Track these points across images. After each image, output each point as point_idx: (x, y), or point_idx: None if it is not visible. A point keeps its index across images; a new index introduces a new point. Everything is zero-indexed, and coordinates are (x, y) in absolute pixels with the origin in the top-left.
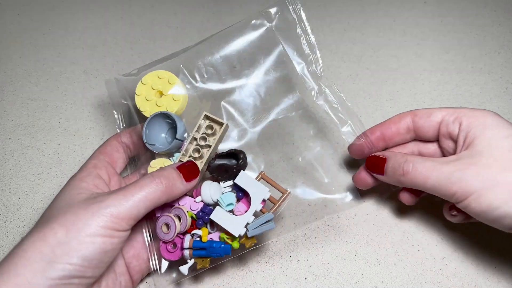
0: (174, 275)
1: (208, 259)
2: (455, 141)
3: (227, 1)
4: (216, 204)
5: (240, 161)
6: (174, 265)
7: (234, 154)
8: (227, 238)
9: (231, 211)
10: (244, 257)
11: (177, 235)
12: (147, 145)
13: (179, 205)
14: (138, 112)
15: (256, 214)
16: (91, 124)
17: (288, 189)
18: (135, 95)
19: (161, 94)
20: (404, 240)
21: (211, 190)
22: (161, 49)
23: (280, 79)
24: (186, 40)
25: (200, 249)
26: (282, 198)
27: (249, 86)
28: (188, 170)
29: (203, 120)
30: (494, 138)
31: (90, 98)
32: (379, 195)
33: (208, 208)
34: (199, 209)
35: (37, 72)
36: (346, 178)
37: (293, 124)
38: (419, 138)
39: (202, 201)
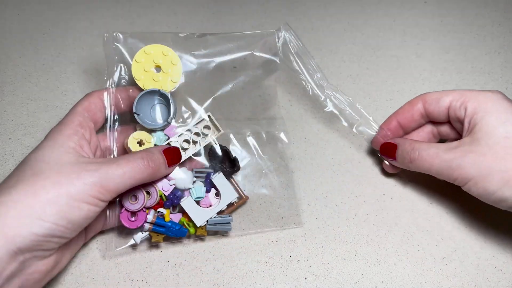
0: (125, 241)
1: (163, 236)
2: (463, 125)
3: (227, 1)
4: (184, 190)
5: (235, 168)
6: (128, 233)
7: (234, 160)
8: (187, 223)
9: (197, 202)
10: (244, 257)
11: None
12: (136, 116)
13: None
14: (130, 76)
15: (218, 212)
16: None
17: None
18: (134, 61)
19: (159, 69)
20: (404, 240)
21: (186, 177)
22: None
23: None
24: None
25: (160, 226)
26: (240, 202)
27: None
28: (172, 155)
29: (204, 119)
30: (492, 125)
31: None
32: (379, 195)
33: (178, 192)
34: (170, 191)
35: (37, 72)
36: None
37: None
38: (434, 121)
39: (174, 185)
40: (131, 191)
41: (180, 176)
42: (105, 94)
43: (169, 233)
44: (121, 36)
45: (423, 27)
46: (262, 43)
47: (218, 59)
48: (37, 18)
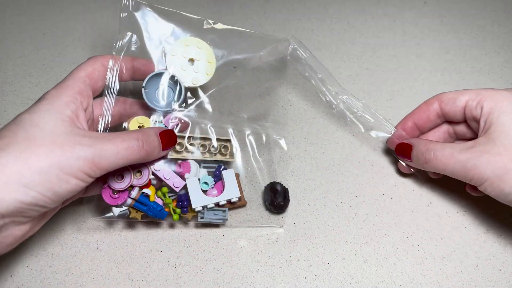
0: (103, 213)
1: (142, 214)
2: (479, 124)
3: (227, 2)
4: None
5: (287, 202)
6: (107, 206)
7: (286, 195)
8: (172, 209)
9: (204, 191)
10: (244, 257)
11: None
12: (143, 90)
13: (155, 170)
14: (139, 47)
15: (209, 208)
16: None
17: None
18: (169, 52)
19: (192, 62)
20: (403, 240)
21: (193, 169)
22: None
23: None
24: None
25: (142, 204)
26: (238, 204)
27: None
28: (168, 139)
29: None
30: (508, 125)
31: None
32: (378, 195)
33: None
34: (181, 187)
35: (37, 72)
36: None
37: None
38: (450, 121)
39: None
40: (119, 170)
41: (193, 168)
42: (111, 61)
43: (149, 212)
44: (139, 5)
45: (422, 27)
46: (273, 47)
47: (229, 52)
48: (37, 18)
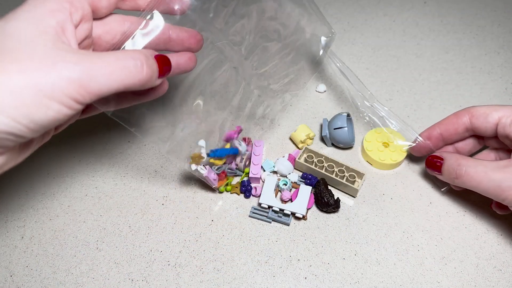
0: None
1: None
2: None
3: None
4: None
5: (338, 208)
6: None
7: (338, 202)
8: (225, 186)
9: (279, 190)
10: (244, 257)
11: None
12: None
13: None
14: None
15: (274, 210)
16: (91, 122)
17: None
18: (365, 140)
19: (386, 146)
20: (403, 240)
21: (289, 166)
22: None
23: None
24: None
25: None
26: (300, 218)
27: None
28: (164, 64)
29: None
30: None
31: None
32: (378, 195)
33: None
34: (258, 175)
35: None
36: None
37: None
38: (479, 135)
39: (278, 171)
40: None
41: (284, 164)
42: None
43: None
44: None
45: (422, 27)
46: (318, 29)
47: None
48: None
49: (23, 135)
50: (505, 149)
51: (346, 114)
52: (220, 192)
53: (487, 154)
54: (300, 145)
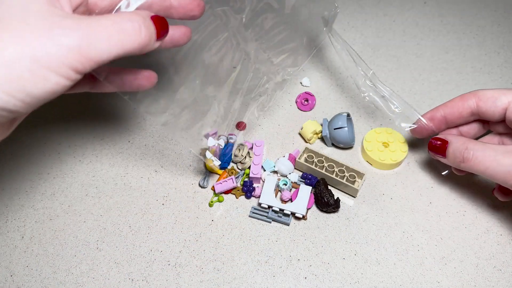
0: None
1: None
2: None
3: (227, 2)
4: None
5: (338, 208)
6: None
7: (338, 202)
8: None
9: (279, 190)
10: (244, 256)
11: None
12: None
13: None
14: None
15: (274, 210)
16: (91, 122)
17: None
18: (365, 140)
19: (386, 146)
20: (403, 239)
21: (289, 166)
22: None
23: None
24: None
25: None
26: (299, 218)
27: None
28: (161, 25)
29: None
30: None
31: (91, 96)
32: (378, 194)
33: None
34: (258, 175)
35: None
36: None
37: None
38: (484, 120)
39: (278, 170)
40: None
41: (285, 163)
42: None
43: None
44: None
45: (422, 27)
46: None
47: None
48: None
49: (18, 110)
50: (510, 134)
51: (346, 114)
52: (210, 206)
53: (491, 138)
54: (310, 139)
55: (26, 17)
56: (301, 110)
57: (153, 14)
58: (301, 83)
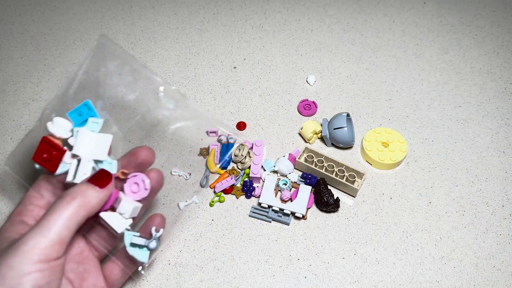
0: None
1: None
2: None
3: (228, 2)
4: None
5: (337, 208)
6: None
7: (337, 202)
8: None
9: (279, 190)
10: (244, 256)
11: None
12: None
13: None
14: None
15: (274, 209)
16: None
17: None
18: (364, 140)
19: (386, 146)
20: (403, 239)
21: (289, 166)
22: (161, 49)
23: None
24: (187, 40)
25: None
26: (300, 217)
27: None
28: (99, 178)
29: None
30: None
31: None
32: (378, 194)
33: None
34: (258, 175)
35: (38, 73)
36: None
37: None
38: None
39: (278, 170)
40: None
41: (285, 163)
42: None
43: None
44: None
45: (422, 28)
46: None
47: None
48: (38, 18)
49: None
50: None
51: (346, 114)
52: (211, 206)
53: None
54: (310, 139)
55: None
56: (302, 114)
57: (88, 178)
58: (307, 81)
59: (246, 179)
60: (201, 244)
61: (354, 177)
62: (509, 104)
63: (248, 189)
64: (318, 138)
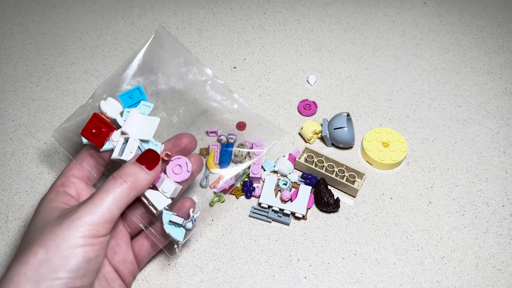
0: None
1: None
2: None
3: (228, 3)
4: (284, 175)
5: (338, 208)
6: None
7: (338, 202)
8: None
9: (279, 190)
10: (244, 256)
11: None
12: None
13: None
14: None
15: (274, 210)
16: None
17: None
18: (364, 140)
19: (386, 146)
20: (403, 239)
21: (289, 166)
22: (161, 49)
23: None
24: (187, 40)
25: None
26: (300, 218)
27: None
28: (148, 159)
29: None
30: None
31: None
32: (378, 194)
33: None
34: (258, 175)
35: (38, 73)
36: None
37: None
38: None
39: (278, 170)
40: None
41: (285, 163)
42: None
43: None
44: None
45: (422, 28)
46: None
47: None
48: (38, 18)
49: (73, 285)
50: None
51: (346, 114)
52: (211, 206)
53: None
54: (310, 139)
55: (45, 229)
56: (302, 114)
57: (139, 155)
58: (307, 81)
59: (246, 179)
60: (201, 244)
61: (354, 177)
62: (510, 104)
63: (248, 189)
64: (318, 138)
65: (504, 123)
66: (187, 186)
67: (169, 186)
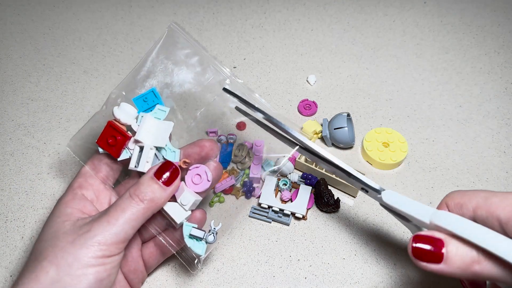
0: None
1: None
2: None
3: (227, 2)
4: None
5: (338, 208)
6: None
7: (338, 202)
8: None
9: (279, 190)
10: (244, 257)
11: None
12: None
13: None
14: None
15: (274, 210)
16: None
17: None
18: (365, 140)
19: (386, 146)
20: (404, 239)
21: (290, 166)
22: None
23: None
24: None
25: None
26: (300, 218)
27: None
28: (164, 173)
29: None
30: None
31: (90, 98)
32: None
33: (253, 185)
34: (258, 175)
35: (37, 72)
36: None
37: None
38: None
39: (280, 170)
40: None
41: (286, 164)
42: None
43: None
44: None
45: (422, 27)
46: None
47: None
48: (37, 18)
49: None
50: None
51: (346, 114)
52: (210, 206)
53: None
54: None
55: (58, 244)
56: (302, 114)
57: (155, 168)
58: (307, 80)
59: (246, 179)
60: None
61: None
62: (510, 104)
63: (248, 190)
64: (318, 138)
65: (505, 123)
66: (205, 196)
67: (188, 198)
